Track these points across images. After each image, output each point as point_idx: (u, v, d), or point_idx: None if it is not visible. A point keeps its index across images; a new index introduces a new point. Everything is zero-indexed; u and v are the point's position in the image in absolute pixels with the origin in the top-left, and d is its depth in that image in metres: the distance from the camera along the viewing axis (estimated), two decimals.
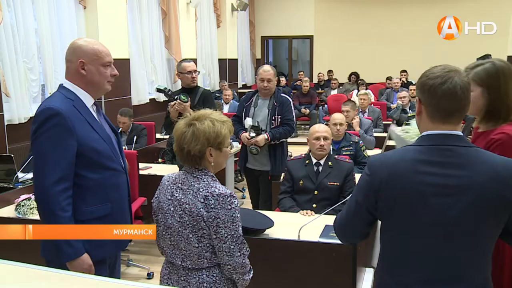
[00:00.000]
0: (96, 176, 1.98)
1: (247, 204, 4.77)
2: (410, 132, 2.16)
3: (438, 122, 1.45)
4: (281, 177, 3.60)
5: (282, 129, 3.86)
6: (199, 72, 4.10)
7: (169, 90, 3.83)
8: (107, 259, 2.11)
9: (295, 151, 6.23)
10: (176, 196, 1.80)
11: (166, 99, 3.96)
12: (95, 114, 2.07)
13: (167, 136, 5.31)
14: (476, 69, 1.95)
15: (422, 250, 1.44)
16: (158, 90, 3.82)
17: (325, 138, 3.27)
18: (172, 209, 1.80)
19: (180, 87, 4.11)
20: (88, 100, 2.05)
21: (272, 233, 2.51)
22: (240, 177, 6.51)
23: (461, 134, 1.46)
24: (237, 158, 5.12)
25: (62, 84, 2.06)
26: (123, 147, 2.79)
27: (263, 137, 3.80)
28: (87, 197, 1.97)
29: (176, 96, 3.70)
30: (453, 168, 1.40)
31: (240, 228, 1.78)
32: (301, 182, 3.24)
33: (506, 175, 1.40)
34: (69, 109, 1.94)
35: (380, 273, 1.59)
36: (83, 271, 1.90)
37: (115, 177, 2.06)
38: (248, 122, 3.83)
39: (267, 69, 3.93)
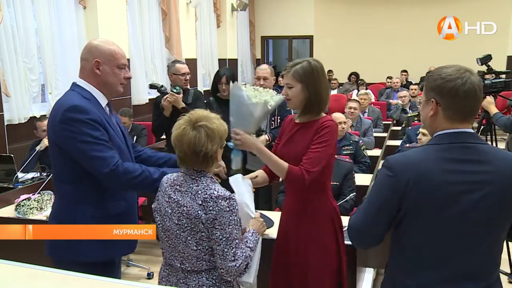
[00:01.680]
0: None
1: None
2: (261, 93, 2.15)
3: (457, 122, 1.47)
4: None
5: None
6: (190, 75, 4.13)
7: (162, 86, 3.88)
8: (116, 260, 2.12)
9: None
10: (174, 198, 1.79)
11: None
12: (108, 114, 2.09)
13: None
14: (295, 67, 2.12)
15: (449, 249, 1.45)
16: (152, 86, 3.88)
17: None
18: (170, 211, 1.79)
19: None
20: (102, 100, 2.06)
21: (272, 233, 2.51)
22: None
23: (474, 131, 1.49)
24: None
25: (76, 82, 2.06)
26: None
27: (264, 138, 3.79)
28: (107, 195, 2.00)
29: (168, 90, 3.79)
30: (475, 165, 1.43)
31: (237, 232, 1.75)
32: None
33: None
34: (89, 108, 1.95)
35: (398, 277, 1.54)
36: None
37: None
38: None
39: (262, 67, 3.93)
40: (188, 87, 4.02)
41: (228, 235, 1.72)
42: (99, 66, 2.01)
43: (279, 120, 3.88)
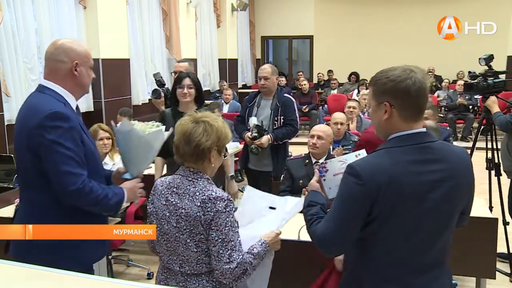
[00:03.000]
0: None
1: None
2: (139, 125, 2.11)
3: (412, 121, 1.51)
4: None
5: (285, 130, 3.84)
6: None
7: (164, 84, 3.92)
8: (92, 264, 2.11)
9: (295, 151, 6.23)
10: (172, 201, 1.77)
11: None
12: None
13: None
14: None
15: (416, 244, 1.51)
16: (155, 75, 3.93)
17: (319, 137, 3.25)
18: (167, 214, 1.77)
19: None
20: (73, 103, 2.01)
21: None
22: (240, 177, 6.51)
23: (425, 130, 1.55)
24: (237, 158, 5.12)
25: (43, 85, 2.00)
26: None
27: (267, 138, 3.79)
28: None
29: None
30: (434, 164, 1.50)
31: (233, 234, 1.72)
32: (301, 181, 3.23)
33: (468, 161, 1.59)
34: (70, 114, 1.93)
35: (364, 276, 1.56)
36: (135, 194, 2.06)
37: (99, 178, 2.03)
38: (252, 121, 3.82)
39: (263, 67, 3.94)
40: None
41: (224, 237, 1.70)
42: (77, 67, 1.97)
43: (282, 120, 3.87)
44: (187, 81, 3.19)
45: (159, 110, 4.08)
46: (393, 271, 1.52)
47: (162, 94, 3.81)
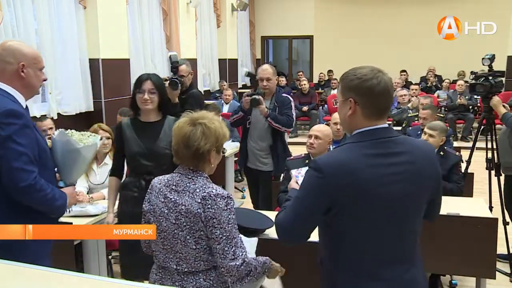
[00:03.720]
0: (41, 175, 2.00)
1: (247, 204, 4.77)
2: (75, 136, 2.24)
3: (374, 119, 1.57)
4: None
5: (280, 116, 3.82)
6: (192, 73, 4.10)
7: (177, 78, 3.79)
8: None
9: (295, 151, 6.23)
10: (171, 198, 1.78)
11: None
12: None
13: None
14: None
15: (382, 236, 1.55)
16: (171, 57, 3.77)
17: (316, 137, 3.22)
18: (166, 211, 1.78)
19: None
20: (23, 102, 2.08)
21: (272, 233, 2.51)
22: (240, 177, 6.51)
23: (388, 125, 1.62)
24: (237, 158, 5.11)
25: None
26: None
27: (264, 107, 3.76)
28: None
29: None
30: (396, 156, 1.55)
31: (236, 231, 1.75)
32: None
33: (432, 154, 1.66)
34: (24, 112, 2.00)
35: (333, 270, 1.61)
36: (74, 199, 2.15)
37: (51, 176, 2.12)
38: (244, 69, 3.85)
39: (265, 68, 3.92)
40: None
41: (228, 234, 1.72)
42: (24, 69, 2.03)
43: None
44: (148, 84, 2.65)
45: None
46: (363, 265, 1.55)
47: (179, 86, 3.68)
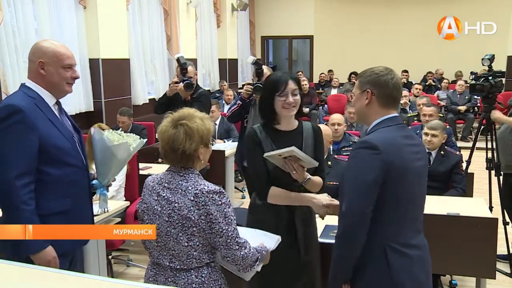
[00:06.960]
0: (57, 172, 2.03)
1: (247, 204, 4.76)
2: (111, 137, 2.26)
3: (390, 108, 1.83)
4: None
5: None
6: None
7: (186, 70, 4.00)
8: (69, 252, 2.14)
9: None
10: (164, 196, 1.80)
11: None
12: (57, 113, 2.13)
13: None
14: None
15: (413, 206, 1.80)
16: (179, 59, 4.05)
17: None
18: (159, 209, 1.80)
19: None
20: (49, 99, 2.10)
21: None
22: (240, 177, 6.51)
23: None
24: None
25: (25, 83, 2.11)
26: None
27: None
28: (48, 192, 2.01)
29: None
30: (413, 139, 1.87)
31: (234, 223, 1.78)
32: None
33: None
34: (31, 107, 2.00)
35: (381, 240, 1.73)
36: (47, 263, 1.94)
37: (75, 174, 2.11)
38: (250, 58, 3.87)
39: (265, 72, 3.87)
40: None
41: (227, 227, 1.74)
42: (43, 66, 2.05)
43: None
44: (291, 85, 2.23)
45: (157, 111, 4.22)
46: (397, 236, 1.74)
47: (193, 87, 4.01)
